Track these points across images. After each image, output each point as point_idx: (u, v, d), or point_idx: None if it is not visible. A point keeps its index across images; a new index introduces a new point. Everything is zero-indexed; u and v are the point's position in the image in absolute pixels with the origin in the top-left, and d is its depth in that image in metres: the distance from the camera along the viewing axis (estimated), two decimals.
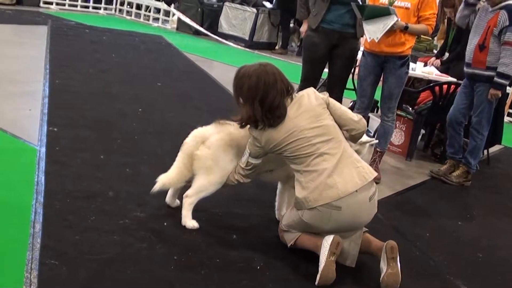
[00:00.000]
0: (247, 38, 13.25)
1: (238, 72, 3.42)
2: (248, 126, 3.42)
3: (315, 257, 3.29)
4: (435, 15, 5.06)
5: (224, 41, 13.16)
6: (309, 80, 5.45)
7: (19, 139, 4.72)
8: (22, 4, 13.27)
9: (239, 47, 12.92)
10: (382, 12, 4.89)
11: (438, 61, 7.34)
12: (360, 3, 5.11)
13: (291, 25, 13.61)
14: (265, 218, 3.96)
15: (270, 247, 3.57)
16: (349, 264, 3.40)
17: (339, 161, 3.27)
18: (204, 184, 3.59)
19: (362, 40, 5.49)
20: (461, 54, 6.04)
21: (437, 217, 4.71)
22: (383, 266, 3.28)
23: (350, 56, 5.44)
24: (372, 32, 4.90)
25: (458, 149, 5.70)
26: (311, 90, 3.49)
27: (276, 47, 13.46)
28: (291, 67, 10.13)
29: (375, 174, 3.40)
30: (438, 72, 6.73)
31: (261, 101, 3.29)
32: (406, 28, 4.94)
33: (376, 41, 4.92)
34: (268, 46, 13.37)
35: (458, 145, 5.69)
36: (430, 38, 8.99)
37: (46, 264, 2.93)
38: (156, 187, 3.62)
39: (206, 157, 3.56)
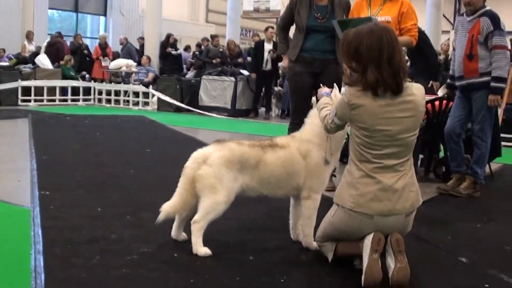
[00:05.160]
0: (229, 107, 13.21)
1: (346, 36, 3.11)
2: (346, 86, 3.08)
3: (340, 268, 3.13)
4: (417, 26, 5.03)
5: (206, 113, 13.12)
6: (299, 111, 5.30)
7: (10, 204, 4.51)
8: (1, 104, 13.23)
9: (222, 116, 12.89)
10: (366, 22, 4.83)
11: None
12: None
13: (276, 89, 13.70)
14: (280, 241, 3.74)
15: (291, 263, 3.36)
16: None
17: (400, 180, 3.09)
18: (210, 205, 3.36)
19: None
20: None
21: (454, 223, 4.52)
22: (390, 261, 3.03)
23: (335, 82, 5.34)
24: None
25: (461, 162, 5.55)
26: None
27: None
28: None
29: (421, 201, 3.24)
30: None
31: (389, 60, 2.97)
32: None
33: None
34: (250, 112, 13.39)
35: (461, 157, 5.55)
36: None
37: None
38: (160, 217, 3.44)
39: (209, 176, 3.35)
